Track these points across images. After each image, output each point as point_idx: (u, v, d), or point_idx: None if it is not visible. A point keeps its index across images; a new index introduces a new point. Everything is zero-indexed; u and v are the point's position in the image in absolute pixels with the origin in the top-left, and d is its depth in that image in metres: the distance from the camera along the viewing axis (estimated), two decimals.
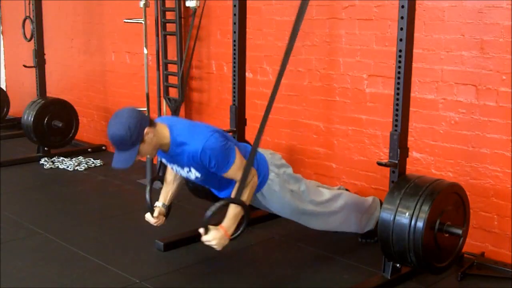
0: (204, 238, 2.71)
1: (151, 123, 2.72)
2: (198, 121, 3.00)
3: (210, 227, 2.71)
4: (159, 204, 3.12)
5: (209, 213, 2.62)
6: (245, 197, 2.78)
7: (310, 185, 3.22)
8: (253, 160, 2.77)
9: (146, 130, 2.66)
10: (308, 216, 3.18)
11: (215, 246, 2.73)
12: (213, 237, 2.71)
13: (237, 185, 2.77)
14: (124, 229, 3.82)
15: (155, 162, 4.87)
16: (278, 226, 3.83)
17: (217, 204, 2.64)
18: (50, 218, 4.05)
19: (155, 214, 3.07)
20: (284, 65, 2.67)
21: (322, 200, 3.21)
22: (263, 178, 3.01)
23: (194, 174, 2.89)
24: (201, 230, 2.70)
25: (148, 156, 2.76)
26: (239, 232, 2.80)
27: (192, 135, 2.78)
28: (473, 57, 3.24)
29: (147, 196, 3.10)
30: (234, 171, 2.82)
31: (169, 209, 3.16)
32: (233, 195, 2.78)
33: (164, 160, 3.03)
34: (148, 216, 3.08)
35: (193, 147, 2.74)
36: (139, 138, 2.65)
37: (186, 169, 2.89)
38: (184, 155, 2.80)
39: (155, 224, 3.08)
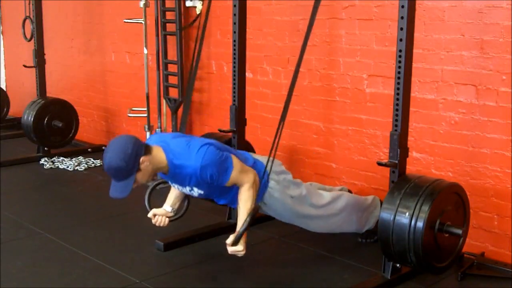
0: (236, 249, 2.72)
1: (147, 150, 2.71)
2: (191, 136, 2.99)
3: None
4: (165, 207, 3.16)
5: (243, 229, 2.65)
6: (252, 202, 2.83)
7: (310, 189, 3.24)
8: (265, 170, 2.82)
9: (142, 159, 2.66)
10: (309, 219, 3.20)
11: (242, 253, 2.75)
12: (243, 247, 2.73)
13: (246, 194, 2.81)
14: (124, 229, 3.82)
15: None
16: (278, 226, 3.83)
17: (248, 220, 2.64)
18: (50, 218, 4.05)
19: (150, 214, 3.11)
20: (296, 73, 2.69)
21: (323, 203, 3.22)
22: (263, 186, 3.01)
23: (196, 192, 2.92)
24: (229, 241, 2.71)
25: (145, 183, 2.80)
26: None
27: (187, 154, 2.76)
28: (473, 57, 3.24)
29: (146, 198, 3.12)
30: (236, 177, 2.83)
31: (180, 211, 3.19)
32: (245, 202, 2.80)
33: (165, 179, 3.05)
34: (148, 215, 3.12)
35: (191, 168, 2.75)
36: (135, 168, 2.65)
37: (188, 188, 2.90)
38: (183, 176, 2.81)
39: (156, 224, 3.11)
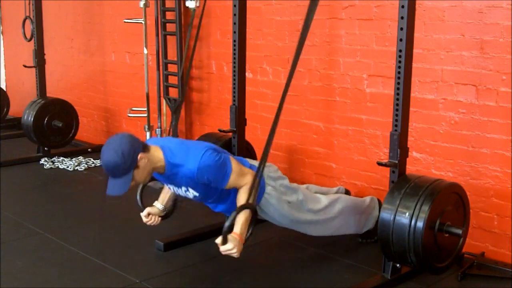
0: (225, 248, 2.60)
1: (145, 148, 2.69)
2: (190, 140, 2.98)
3: (229, 236, 2.62)
4: (156, 205, 3.15)
5: (227, 224, 2.56)
6: (251, 199, 2.75)
7: (307, 194, 3.20)
8: (260, 171, 2.65)
9: (140, 155, 2.64)
10: (307, 225, 3.18)
11: (235, 254, 2.63)
12: (233, 246, 2.60)
13: (244, 193, 2.76)
14: (124, 229, 3.82)
15: None
16: (278, 226, 3.83)
17: (233, 214, 2.58)
18: (50, 218, 4.05)
19: (144, 213, 3.10)
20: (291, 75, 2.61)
21: (320, 207, 3.20)
22: (259, 192, 2.96)
23: (192, 193, 2.90)
24: (218, 241, 2.61)
25: (142, 182, 2.81)
26: (248, 234, 2.76)
27: (185, 155, 2.75)
28: (473, 57, 3.24)
29: (138, 196, 3.13)
30: (234, 180, 2.81)
31: (170, 210, 3.18)
32: (243, 201, 2.72)
33: (160, 180, 3.03)
34: (142, 215, 3.11)
35: (188, 168, 2.73)
36: (133, 164, 2.63)
37: (183, 188, 2.89)
38: (180, 176, 2.79)
39: (148, 223, 3.11)
